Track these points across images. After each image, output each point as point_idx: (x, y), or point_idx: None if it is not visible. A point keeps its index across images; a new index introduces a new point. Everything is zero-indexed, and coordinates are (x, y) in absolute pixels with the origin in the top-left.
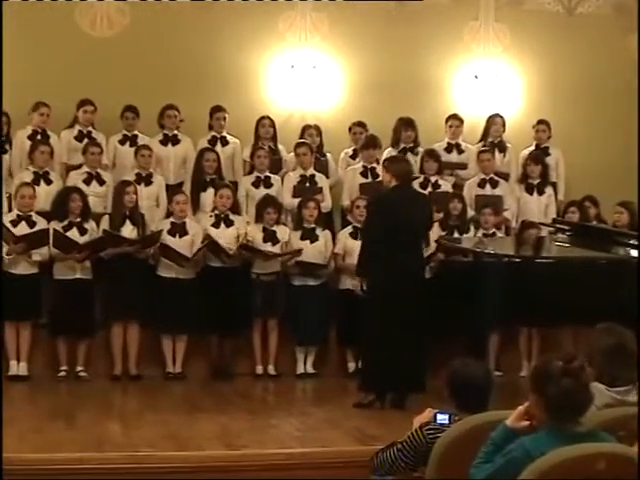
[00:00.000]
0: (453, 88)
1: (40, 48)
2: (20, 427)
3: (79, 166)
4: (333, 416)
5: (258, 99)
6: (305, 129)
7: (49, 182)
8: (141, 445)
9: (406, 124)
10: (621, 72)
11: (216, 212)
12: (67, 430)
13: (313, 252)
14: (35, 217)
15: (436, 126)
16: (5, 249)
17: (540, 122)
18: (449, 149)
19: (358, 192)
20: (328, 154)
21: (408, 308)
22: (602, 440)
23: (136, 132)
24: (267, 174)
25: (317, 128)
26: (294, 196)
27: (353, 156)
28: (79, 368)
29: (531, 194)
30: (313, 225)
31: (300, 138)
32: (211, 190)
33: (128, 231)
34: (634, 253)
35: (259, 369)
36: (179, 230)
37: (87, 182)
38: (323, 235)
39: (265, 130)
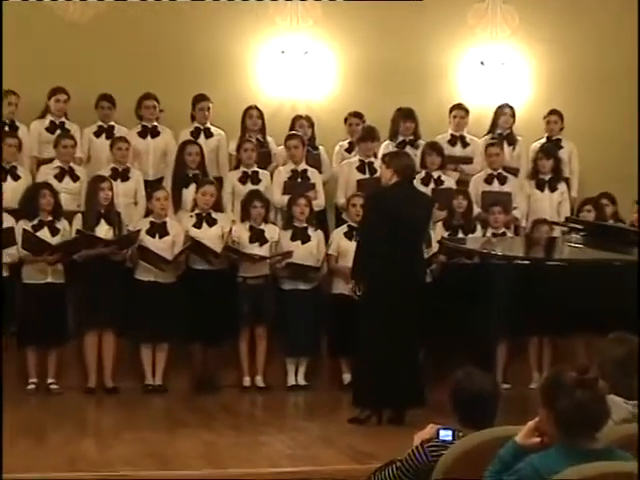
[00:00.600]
0: (457, 75)
1: (8, 31)
2: None
3: (50, 160)
4: (327, 432)
5: (245, 87)
6: (296, 120)
7: (16, 178)
8: (118, 464)
9: (405, 115)
10: None
11: (197, 211)
12: (37, 448)
13: (304, 253)
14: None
15: (439, 117)
16: None
17: (551, 112)
18: (453, 142)
19: (354, 189)
20: (321, 147)
21: (407, 315)
22: (619, 458)
23: (112, 123)
24: (255, 169)
25: (309, 119)
26: (284, 193)
27: (349, 149)
28: (50, 380)
29: (542, 191)
30: (304, 224)
31: (291, 130)
32: (193, 186)
33: (103, 231)
34: None
35: (246, 381)
36: (159, 230)
37: (59, 177)
38: (315, 235)
39: (253, 121)
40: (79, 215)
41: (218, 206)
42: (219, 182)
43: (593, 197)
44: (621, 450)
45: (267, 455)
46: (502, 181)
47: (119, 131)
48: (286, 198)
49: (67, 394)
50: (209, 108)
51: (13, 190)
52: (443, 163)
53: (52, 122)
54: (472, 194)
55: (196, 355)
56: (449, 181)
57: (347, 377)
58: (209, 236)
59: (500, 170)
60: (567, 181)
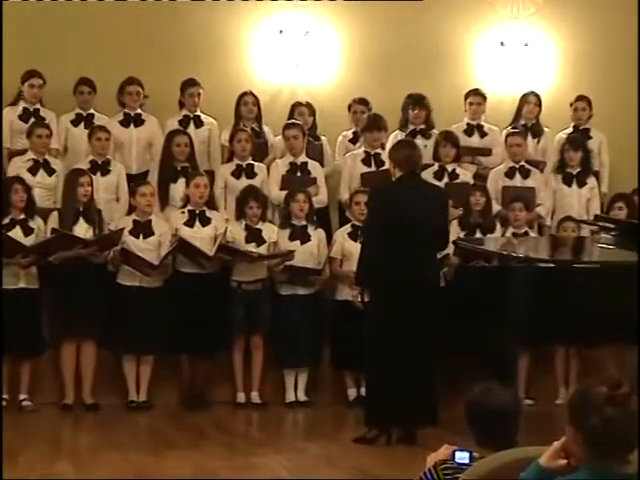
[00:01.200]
0: (474, 58)
1: None
2: None
3: (23, 151)
4: (330, 453)
5: (239, 71)
6: (295, 107)
7: None
8: None
9: (415, 101)
10: None
11: (189, 207)
12: (8, 470)
13: (304, 254)
14: None
15: (454, 104)
16: None
17: (579, 99)
18: (469, 131)
19: (359, 183)
20: (323, 137)
21: (418, 324)
22: None
23: (92, 111)
24: (250, 162)
25: (310, 106)
26: (282, 188)
27: (353, 140)
28: (22, 396)
29: (569, 186)
30: (304, 222)
31: (289, 118)
32: (182, 181)
33: (82, 230)
34: None
35: (240, 396)
36: (143, 229)
37: (33, 171)
38: (316, 234)
39: (247, 109)
40: (55, 213)
41: (212, 203)
42: (210, 176)
43: (625, 193)
44: None
45: (263, 478)
46: (525, 175)
47: (99, 119)
48: (284, 194)
49: (42, 411)
50: (199, 94)
51: None
52: (458, 155)
53: (25, 109)
54: (491, 189)
55: (185, 368)
56: (465, 175)
57: (352, 392)
58: (202, 236)
59: (522, 163)
60: (597, 175)
